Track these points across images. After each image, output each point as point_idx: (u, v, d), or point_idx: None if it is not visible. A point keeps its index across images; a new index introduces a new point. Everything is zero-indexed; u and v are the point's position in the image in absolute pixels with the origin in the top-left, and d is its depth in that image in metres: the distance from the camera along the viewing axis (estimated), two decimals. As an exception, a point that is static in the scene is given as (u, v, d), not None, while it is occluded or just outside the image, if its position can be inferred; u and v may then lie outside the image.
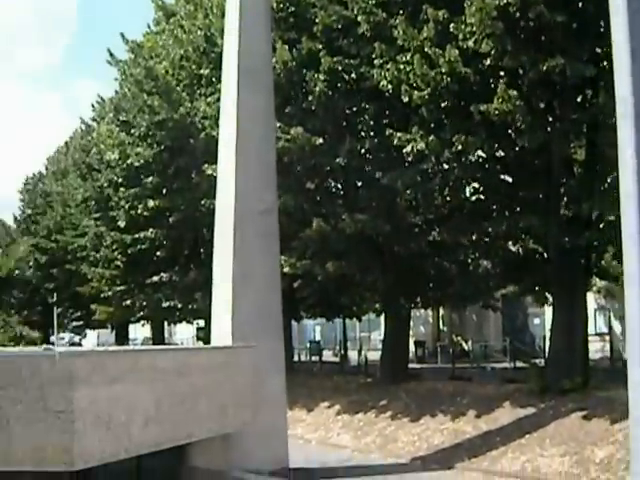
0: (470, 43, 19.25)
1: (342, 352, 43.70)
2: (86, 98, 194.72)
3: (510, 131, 21.26)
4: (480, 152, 22.06)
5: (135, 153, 35.60)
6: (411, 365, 32.56)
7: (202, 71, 31.83)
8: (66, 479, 12.29)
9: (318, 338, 52.83)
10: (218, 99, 22.53)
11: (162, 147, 35.43)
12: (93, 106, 46.92)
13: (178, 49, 34.57)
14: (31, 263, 67.53)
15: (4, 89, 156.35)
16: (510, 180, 23.84)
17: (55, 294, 60.13)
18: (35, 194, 69.99)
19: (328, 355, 45.61)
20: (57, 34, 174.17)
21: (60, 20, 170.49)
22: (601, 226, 21.78)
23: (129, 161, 35.91)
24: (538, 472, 17.67)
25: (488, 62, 19.37)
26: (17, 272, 69.28)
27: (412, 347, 38.74)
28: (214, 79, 29.07)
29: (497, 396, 23.41)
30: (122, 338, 60.53)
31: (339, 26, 24.58)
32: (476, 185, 24.85)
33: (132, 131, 36.00)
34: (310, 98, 25.38)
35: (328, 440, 24.92)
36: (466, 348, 40.99)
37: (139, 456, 13.43)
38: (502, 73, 19.95)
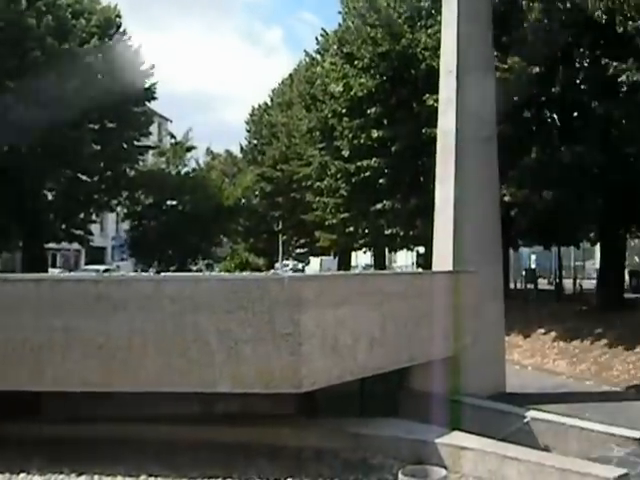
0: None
1: (557, 280, 41.91)
2: (307, 32, 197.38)
3: None
4: None
5: (358, 84, 35.34)
6: (626, 295, 30.60)
7: (422, 3, 31.21)
8: (291, 401, 11.99)
9: (534, 266, 50.96)
10: (438, 30, 22.13)
11: (384, 78, 34.89)
12: (317, 39, 46.63)
13: (399, -17, 34.38)
14: (257, 192, 68.96)
15: (229, 23, 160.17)
16: None
17: (280, 222, 61.47)
18: (261, 125, 71.17)
19: (543, 283, 44.35)
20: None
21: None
22: None
23: (352, 92, 35.70)
24: None
25: None
26: (244, 201, 70.53)
27: (627, 277, 36.35)
28: (434, 11, 28.92)
29: None
30: (344, 265, 60.99)
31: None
32: None
33: (355, 63, 35.68)
34: (526, 26, 24.20)
35: (544, 366, 24.16)
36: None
37: (362, 379, 13.18)
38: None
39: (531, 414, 13.88)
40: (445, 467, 10.55)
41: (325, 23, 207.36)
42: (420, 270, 41.75)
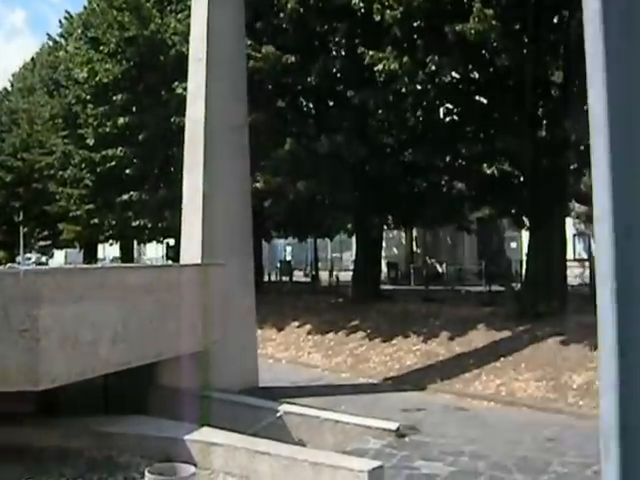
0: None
1: (313, 272, 43.94)
2: (53, 14, 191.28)
3: (485, 51, 21.03)
4: (454, 73, 21.84)
5: (104, 70, 35.46)
6: (384, 287, 32.84)
7: (171, -14, 31.35)
8: (32, 400, 12.30)
9: (289, 258, 53.19)
10: (188, 15, 22.50)
11: (132, 64, 35.25)
12: (61, 22, 46.12)
13: (147, -35, 34.28)
14: (-4, 182, 66.25)
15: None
16: (485, 101, 23.71)
17: (21, 213, 59.54)
18: (0, 111, 68.59)
19: (299, 276, 46.06)
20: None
21: None
22: (581, 148, 21.69)
23: (98, 78, 35.75)
24: (513, 396, 17.95)
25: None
26: (-20, 191, 67.62)
27: (385, 269, 38.98)
28: (184, -5, 28.59)
29: (471, 319, 23.63)
30: (90, 257, 60.43)
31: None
32: (450, 106, 24.71)
33: (101, 48, 35.79)
34: (281, 15, 25.35)
35: (298, 359, 25.26)
36: (440, 271, 41.16)
37: (106, 375, 13.55)
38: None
39: (284, 408, 14.70)
40: (195, 464, 11.10)
41: (71, 5, 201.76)
42: (170, 263, 42.27)
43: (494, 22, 18.94)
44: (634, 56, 1.34)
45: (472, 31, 18.93)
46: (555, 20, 21.84)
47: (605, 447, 1.24)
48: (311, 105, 30.11)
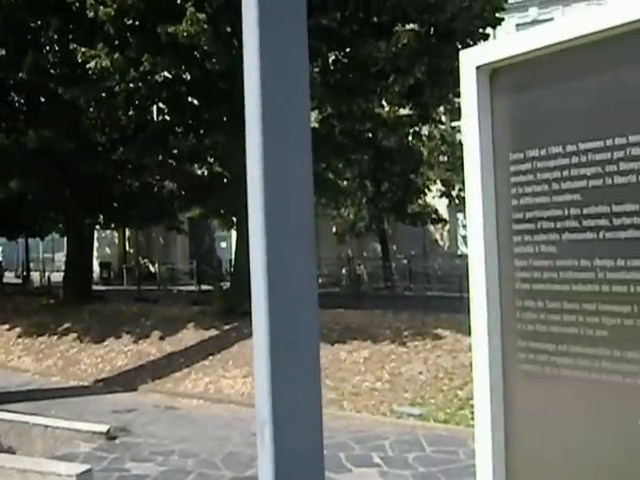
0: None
1: (24, 273, 42.26)
2: None
3: (197, 53, 21.37)
4: (167, 73, 22.03)
5: None
6: (97, 287, 32.60)
7: None
8: None
9: (-1, 259, 50.72)
10: None
11: None
12: None
13: None
14: None
15: None
16: (196, 102, 24.07)
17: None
18: None
19: (10, 277, 44.74)
20: None
21: None
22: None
23: None
24: (221, 393, 18.43)
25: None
26: None
27: (97, 269, 38.46)
28: None
29: (182, 318, 24.08)
30: None
31: None
32: (162, 105, 24.85)
33: None
34: None
35: (8, 364, 24.46)
36: (153, 270, 41.27)
37: None
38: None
39: (-10, 415, 14.24)
40: None
41: None
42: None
43: (206, 26, 19.34)
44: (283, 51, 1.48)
45: (184, 33, 19.21)
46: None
47: (260, 434, 1.47)
48: (22, 100, 29.02)
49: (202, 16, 19.24)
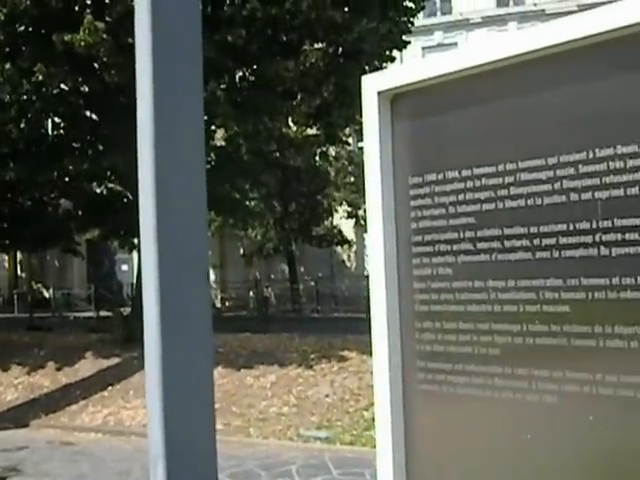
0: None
1: None
2: None
3: (95, 65, 21.18)
4: (63, 85, 21.77)
5: None
6: None
7: None
8: None
9: None
10: None
11: None
12: None
13: None
14: None
15: None
16: (95, 117, 23.83)
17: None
18: None
19: None
20: None
21: None
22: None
23: None
24: (121, 425, 18.14)
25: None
26: None
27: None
28: None
29: (79, 347, 23.59)
30: None
31: None
32: (57, 119, 24.53)
33: None
34: None
35: None
36: (47, 296, 40.57)
37: None
38: (89, 2, 19.81)
39: None
40: None
41: None
42: None
43: (105, 35, 19.18)
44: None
45: (82, 42, 19.00)
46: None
47: (153, 469, 1.53)
48: None
49: (101, 25, 19.03)
